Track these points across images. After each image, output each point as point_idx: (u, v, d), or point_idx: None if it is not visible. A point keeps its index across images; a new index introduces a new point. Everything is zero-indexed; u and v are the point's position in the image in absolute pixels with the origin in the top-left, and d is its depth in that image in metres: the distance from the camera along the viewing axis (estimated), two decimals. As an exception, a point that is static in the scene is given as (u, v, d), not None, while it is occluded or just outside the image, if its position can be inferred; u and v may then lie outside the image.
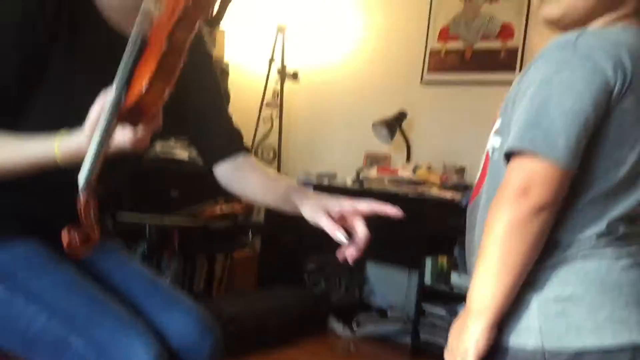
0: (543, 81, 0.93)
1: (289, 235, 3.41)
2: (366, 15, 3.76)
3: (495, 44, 3.19)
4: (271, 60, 3.83)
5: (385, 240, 3.12)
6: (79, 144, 0.92)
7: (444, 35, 3.40)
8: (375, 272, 3.57)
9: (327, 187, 3.23)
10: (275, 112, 3.87)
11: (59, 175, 0.98)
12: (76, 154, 0.93)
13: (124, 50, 0.88)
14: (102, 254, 1.23)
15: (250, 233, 3.16)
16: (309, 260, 3.47)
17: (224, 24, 3.75)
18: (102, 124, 0.85)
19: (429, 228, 2.85)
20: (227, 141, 1.33)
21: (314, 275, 3.43)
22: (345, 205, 1.09)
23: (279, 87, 3.83)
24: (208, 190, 3.08)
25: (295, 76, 3.81)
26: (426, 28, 3.46)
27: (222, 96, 1.40)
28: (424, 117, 3.40)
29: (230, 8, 1.19)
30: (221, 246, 3.11)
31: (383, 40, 3.63)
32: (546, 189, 0.90)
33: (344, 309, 3.32)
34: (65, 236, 0.85)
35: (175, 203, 2.91)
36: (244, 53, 3.99)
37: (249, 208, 3.15)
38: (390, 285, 3.48)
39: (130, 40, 0.87)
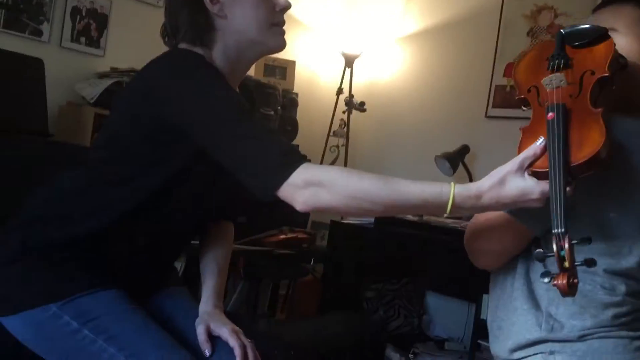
0: None
1: (351, 263, 3.51)
2: (434, 49, 3.83)
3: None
4: (339, 91, 3.97)
5: (446, 271, 3.18)
6: (479, 189, 1.00)
7: (510, 71, 3.42)
8: (435, 303, 3.60)
9: (390, 219, 3.31)
10: (342, 142, 4.00)
11: (153, 248, 1.13)
12: (471, 198, 1.00)
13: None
14: (170, 300, 1.40)
15: (312, 260, 3.27)
16: (369, 288, 3.55)
17: (294, 55, 3.93)
18: (556, 178, 0.92)
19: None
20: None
21: (373, 303, 3.50)
22: (223, 334, 1.26)
23: (346, 117, 3.96)
24: (274, 219, 3.23)
25: (362, 106, 3.92)
26: (492, 63, 3.50)
27: None
28: (487, 151, 3.43)
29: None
30: (285, 272, 3.25)
31: (449, 74, 3.69)
32: None
33: (401, 338, 3.37)
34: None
35: (242, 230, 3.08)
36: (313, 83, 4.15)
37: (313, 236, 3.27)
38: (449, 317, 3.51)
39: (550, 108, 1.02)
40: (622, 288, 1.03)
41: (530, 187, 0.95)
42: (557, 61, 1.04)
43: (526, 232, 1.03)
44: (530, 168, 0.97)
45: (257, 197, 1.10)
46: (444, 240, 2.98)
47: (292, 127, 3.65)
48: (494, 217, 1.06)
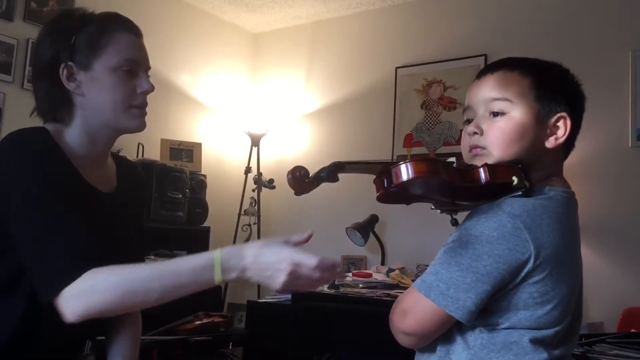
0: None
1: (271, 343, 3.43)
2: (337, 124, 3.99)
3: (457, 149, 3.39)
4: (247, 169, 4.00)
5: (367, 342, 3.17)
6: (243, 249, 1.06)
7: (409, 141, 3.61)
8: (358, 375, 3.56)
9: (305, 293, 3.29)
10: (254, 220, 3.99)
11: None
12: (236, 257, 1.05)
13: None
14: None
15: (231, 344, 3.17)
16: (292, 367, 3.46)
17: (199, 136, 3.94)
18: None
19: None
20: None
21: (297, 383, 3.41)
22: None
23: (256, 195, 3.97)
24: (188, 304, 3.12)
25: (271, 183, 3.94)
26: (392, 135, 3.68)
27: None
28: (395, 219, 3.54)
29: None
30: (203, 359, 3.12)
31: (353, 146, 3.83)
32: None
33: (329, 416, 3.28)
34: None
35: (155, 319, 2.95)
36: (221, 163, 4.16)
37: (230, 319, 3.18)
38: (374, 388, 3.47)
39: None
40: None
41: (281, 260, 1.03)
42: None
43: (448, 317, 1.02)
44: None
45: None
46: (361, 310, 2.99)
47: (201, 209, 3.61)
48: (417, 303, 1.06)
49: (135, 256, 1.39)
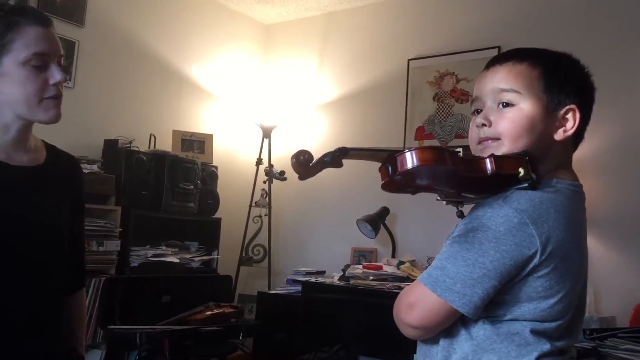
0: None
1: (281, 334, 3.45)
2: (349, 115, 3.98)
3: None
4: (259, 161, 4.01)
5: (376, 334, 3.18)
6: None
7: (420, 133, 3.60)
8: (368, 367, 3.57)
9: (315, 284, 3.30)
10: (265, 212, 4.00)
11: None
12: None
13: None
14: None
15: (241, 335, 3.18)
16: (302, 358, 3.48)
17: (211, 128, 3.95)
18: None
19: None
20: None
21: (307, 374, 3.43)
22: None
23: (267, 187, 3.98)
24: (199, 294, 3.14)
25: (282, 175, 3.94)
26: (404, 127, 3.66)
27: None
28: (406, 212, 3.53)
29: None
30: (213, 349, 3.14)
31: (365, 138, 3.81)
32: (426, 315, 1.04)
33: (338, 407, 3.30)
34: None
35: (166, 309, 2.97)
36: (232, 155, 4.17)
37: (240, 309, 3.20)
38: (383, 380, 3.48)
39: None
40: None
41: None
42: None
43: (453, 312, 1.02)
44: None
45: None
46: (371, 303, 3.00)
47: (213, 200, 3.62)
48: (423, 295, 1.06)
49: (73, 247, 1.41)
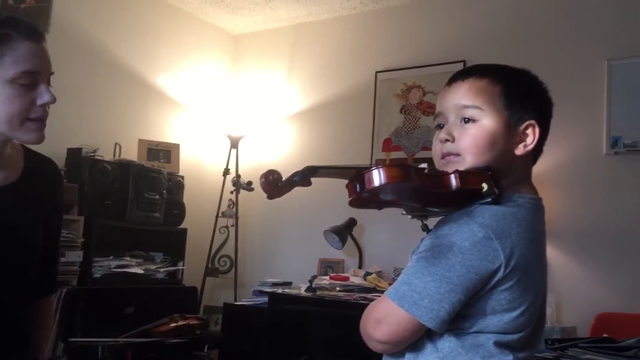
0: None
1: (247, 345, 3.42)
2: (316, 126, 3.99)
3: (435, 153, 3.42)
4: (226, 171, 3.98)
5: (343, 345, 3.18)
6: None
7: (387, 145, 3.63)
8: (334, 379, 3.56)
9: (282, 295, 3.29)
10: (232, 222, 3.97)
11: None
12: None
13: None
14: None
15: (206, 347, 3.14)
16: (268, 370, 3.45)
17: (178, 137, 3.92)
18: None
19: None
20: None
21: (273, 386, 3.40)
22: None
23: (234, 197, 3.95)
24: (164, 306, 3.10)
25: (249, 185, 3.93)
26: (371, 139, 3.69)
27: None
28: (373, 223, 3.54)
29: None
30: (177, 362, 3.09)
31: (333, 150, 3.83)
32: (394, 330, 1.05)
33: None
34: None
35: (130, 321, 2.92)
36: (199, 165, 4.13)
37: (206, 321, 3.16)
38: (350, 392, 3.47)
39: None
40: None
41: None
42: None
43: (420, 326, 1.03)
44: None
45: None
46: (338, 314, 3.00)
47: (179, 210, 3.58)
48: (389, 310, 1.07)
49: (47, 253, 1.38)
